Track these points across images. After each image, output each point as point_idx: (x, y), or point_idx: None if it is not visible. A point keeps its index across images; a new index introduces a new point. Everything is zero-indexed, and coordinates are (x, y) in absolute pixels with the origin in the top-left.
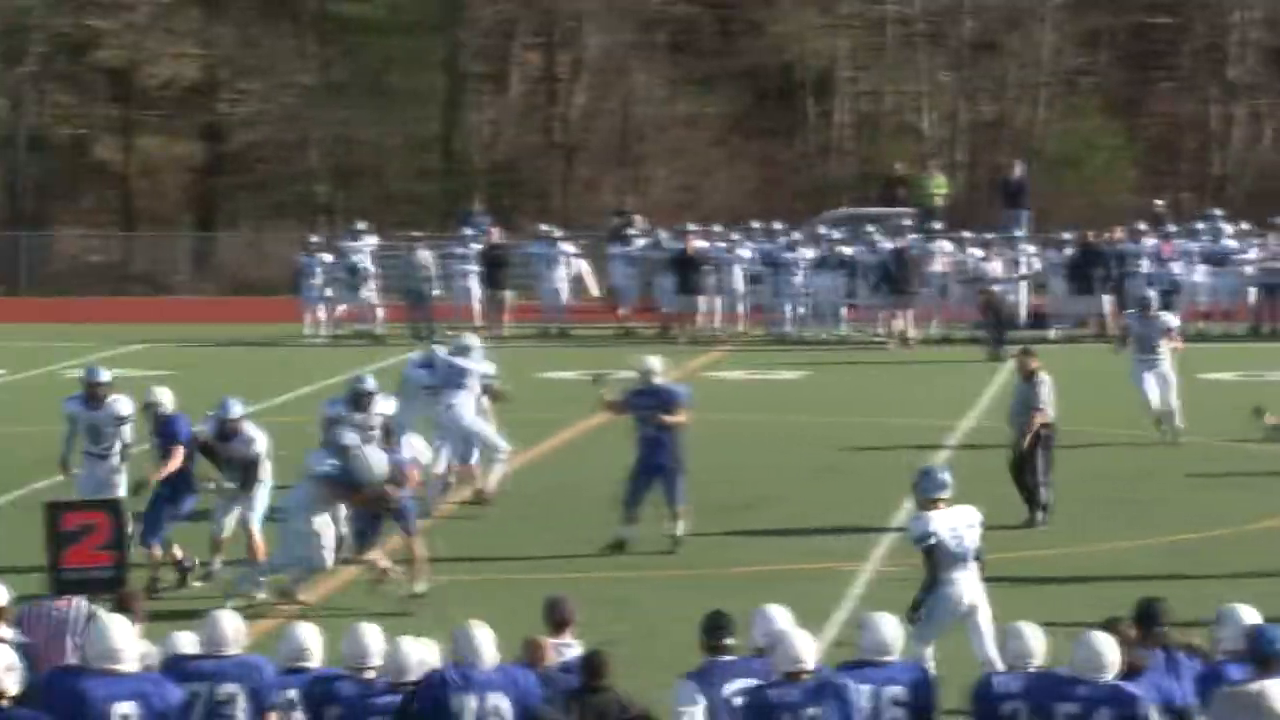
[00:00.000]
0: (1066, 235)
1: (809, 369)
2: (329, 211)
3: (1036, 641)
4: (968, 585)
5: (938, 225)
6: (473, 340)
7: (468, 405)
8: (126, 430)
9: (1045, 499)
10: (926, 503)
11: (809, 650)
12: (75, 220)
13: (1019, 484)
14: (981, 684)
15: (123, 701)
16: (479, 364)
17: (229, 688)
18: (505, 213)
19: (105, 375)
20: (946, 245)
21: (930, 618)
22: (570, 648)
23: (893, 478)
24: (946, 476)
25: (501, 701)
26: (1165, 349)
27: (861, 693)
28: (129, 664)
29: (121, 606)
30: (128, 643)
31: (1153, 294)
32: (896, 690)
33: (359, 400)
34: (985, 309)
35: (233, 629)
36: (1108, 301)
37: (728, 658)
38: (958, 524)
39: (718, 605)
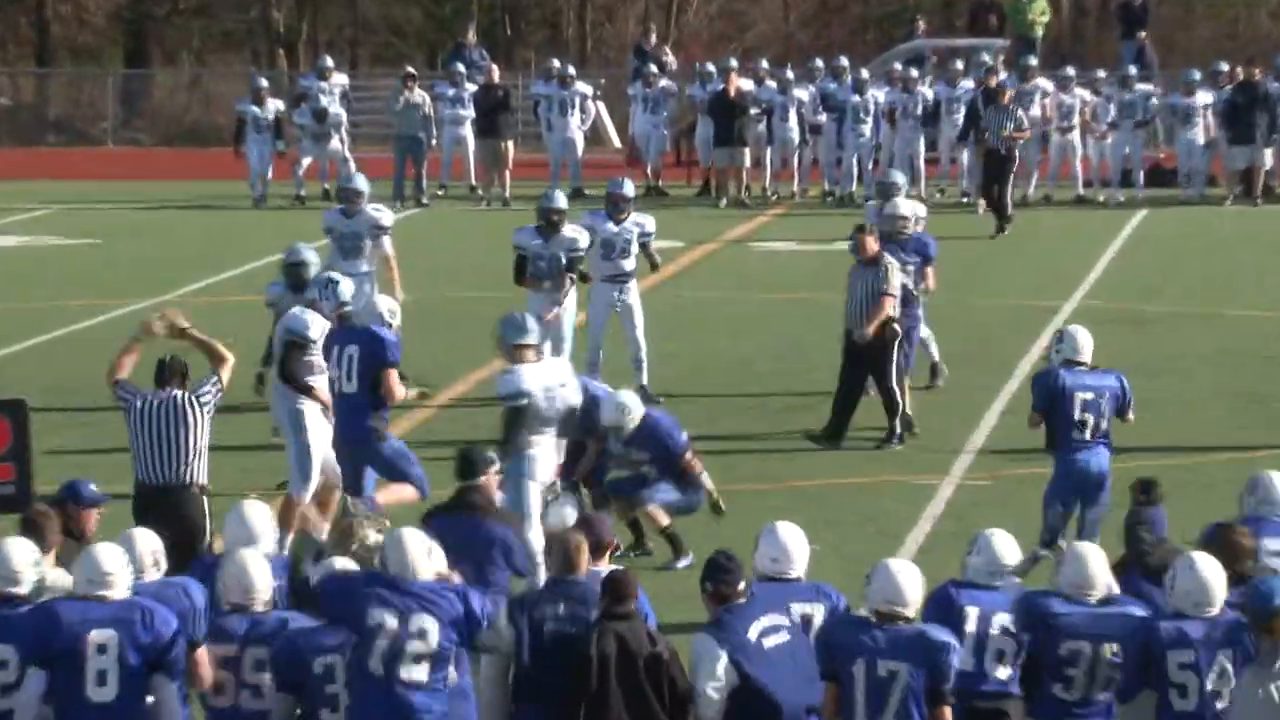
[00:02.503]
0: (1197, 73)
1: None
2: (288, 44)
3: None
4: (545, 455)
5: (1034, 61)
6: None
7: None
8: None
9: (905, 410)
10: (515, 352)
11: (915, 590)
12: None
13: (844, 403)
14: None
15: (101, 629)
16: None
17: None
18: (505, 46)
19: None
20: (1047, 85)
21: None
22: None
23: (980, 370)
24: (530, 321)
25: (428, 624)
26: None
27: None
28: (117, 589)
29: (28, 528)
30: (115, 564)
31: None
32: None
33: (296, 276)
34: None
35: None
36: (1269, 155)
37: (740, 600)
38: (551, 381)
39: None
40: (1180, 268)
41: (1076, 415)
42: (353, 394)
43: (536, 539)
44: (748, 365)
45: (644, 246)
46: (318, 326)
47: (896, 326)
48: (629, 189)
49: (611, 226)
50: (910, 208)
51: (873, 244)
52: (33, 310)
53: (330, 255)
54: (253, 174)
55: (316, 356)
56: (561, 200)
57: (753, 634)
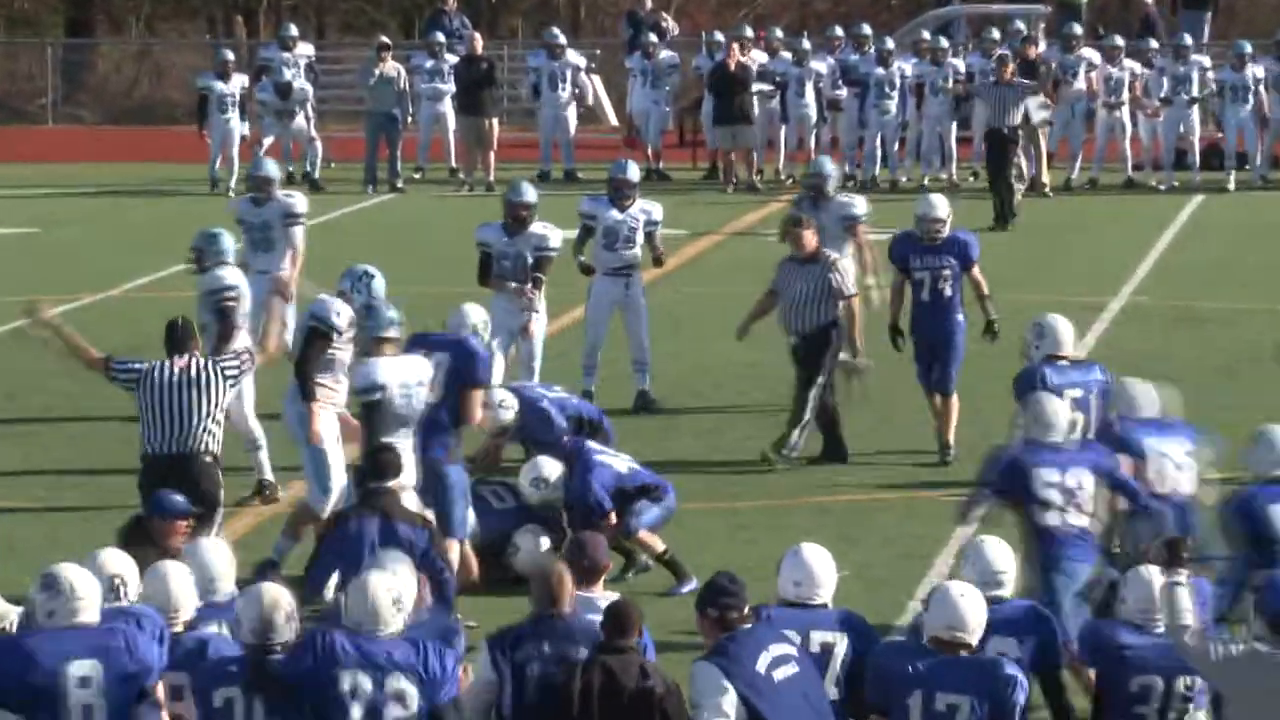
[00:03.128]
0: (1248, 45)
1: (903, 227)
2: (248, 11)
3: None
4: (405, 456)
5: (1078, 29)
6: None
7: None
8: None
9: (840, 435)
10: (374, 345)
11: (980, 616)
12: None
13: (824, 420)
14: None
15: (80, 660)
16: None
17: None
18: (489, 13)
19: None
20: (1094, 56)
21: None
22: (599, 603)
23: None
24: (394, 314)
25: (406, 685)
26: None
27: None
28: (88, 614)
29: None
30: (87, 587)
31: None
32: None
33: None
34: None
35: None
36: None
37: (745, 627)
38: (408, 377)
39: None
40: (1239, 259)
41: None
42: (431, 405)
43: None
44: (756, 369)
45: (649, 237)
46: (345, 317)
47: (837, 333)
48: (633, 172)
49: (615, 213)
50: (944, 206)
51: (811, 238)
52: None
53: (244, 248)
54: (214, 158)
55: (341, 352)
56: (530, 193)
57: (761, 665)
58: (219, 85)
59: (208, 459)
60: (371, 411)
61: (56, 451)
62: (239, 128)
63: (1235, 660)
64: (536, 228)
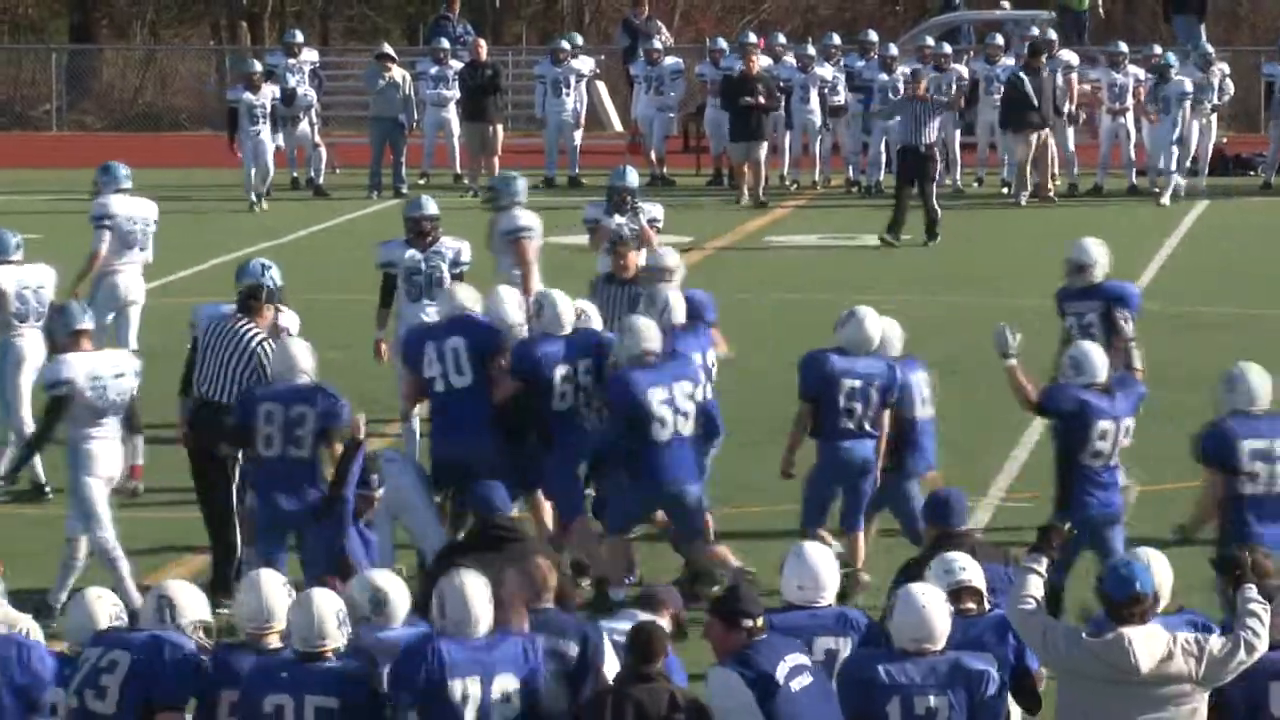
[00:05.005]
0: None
1: (907, 231)
2: (252, 17)
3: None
4: (106, 450)
5: (1052, 36)
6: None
7: None
8: None
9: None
10: (67, 341)
11: (944, 624)
12: None
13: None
14: None
15: None
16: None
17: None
18: (494, 19)
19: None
20: (1071, 59)
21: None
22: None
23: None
24: (82, 306)
25: (510, 683)
26: None
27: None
28: None
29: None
30: None
31: None
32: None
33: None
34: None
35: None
36: None
37: (761, 637)
38: (102, 370)
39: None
40: (1245, 264)
41: (844, 403)
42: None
43: (106, 536)
44: (760, 378)
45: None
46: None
47: None
48: (632, 179)
49: (616, 218)
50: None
51: (635, 259)
52: None
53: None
54: (248, 174)
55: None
56: (431, 206)
57: (780, 675)
58: (249, 97)
59: None
60: (56, 404)
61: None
62: (270, 139)
63: (1058, 643)
64: (450, 241)
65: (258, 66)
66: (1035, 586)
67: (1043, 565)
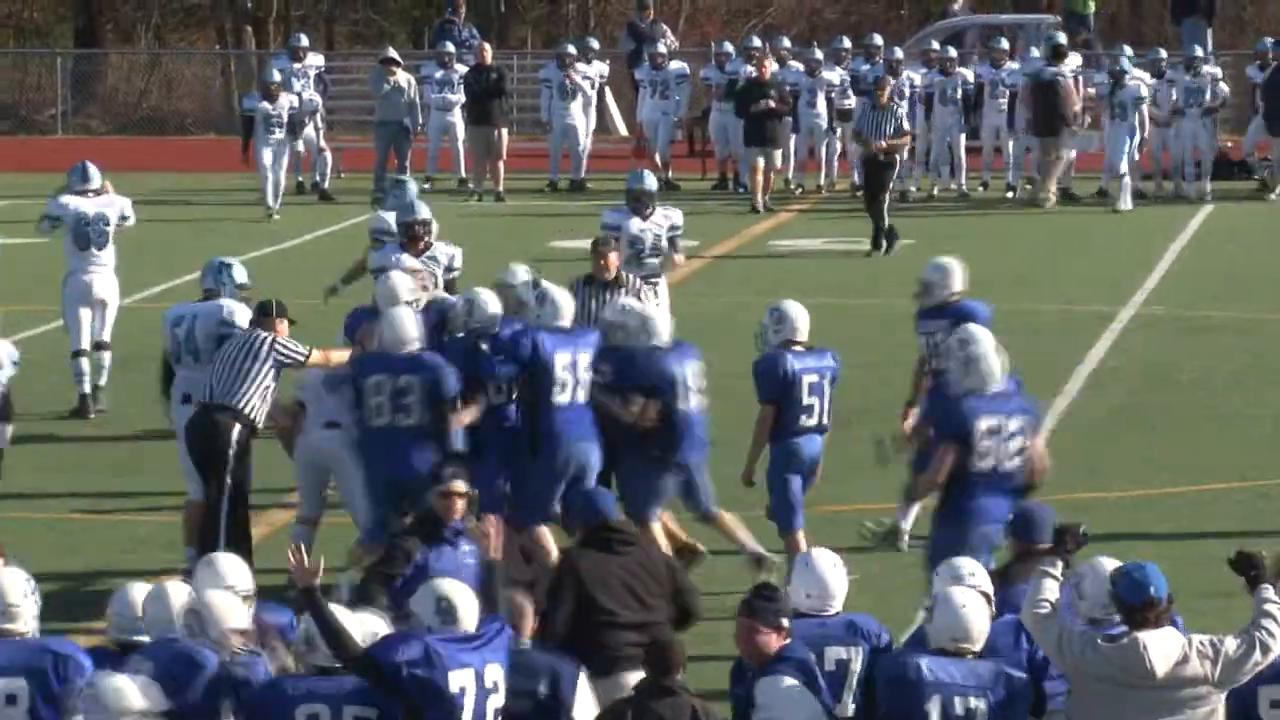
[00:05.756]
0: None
1: (914, 236)
2: (257, 21)
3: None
4: None
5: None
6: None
7: None
8: None
9: None
10: None
11: (983, 625)
12: None
13: None
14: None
15: (10, 677)
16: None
17: None
18: (499, 23)
19: None
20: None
21: None
22: None
23: (1027, 383)
24: None
25: (498, 673)
26: None
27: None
28: (21, 623)
29: None
30: (21, 597)
31: None
32: None
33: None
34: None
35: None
36: None
37: (790, 641)
38: None
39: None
40: (1250, 268)
41: (805, 400)
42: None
43: None
44: None
45: (672, 242)
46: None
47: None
48: (651, 182)
49: (638, 223)
50: None
51: (615, 260)
52: None
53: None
54: (265, 182)
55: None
56: (424, 210)
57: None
58: (265, 106)
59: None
60: None
61: (69, 462)
62: (287, 149)
63: (1073, 647)
64: (443, 247)
65: (276, 75)
66: (1050, 590)
67: (1058, 569)
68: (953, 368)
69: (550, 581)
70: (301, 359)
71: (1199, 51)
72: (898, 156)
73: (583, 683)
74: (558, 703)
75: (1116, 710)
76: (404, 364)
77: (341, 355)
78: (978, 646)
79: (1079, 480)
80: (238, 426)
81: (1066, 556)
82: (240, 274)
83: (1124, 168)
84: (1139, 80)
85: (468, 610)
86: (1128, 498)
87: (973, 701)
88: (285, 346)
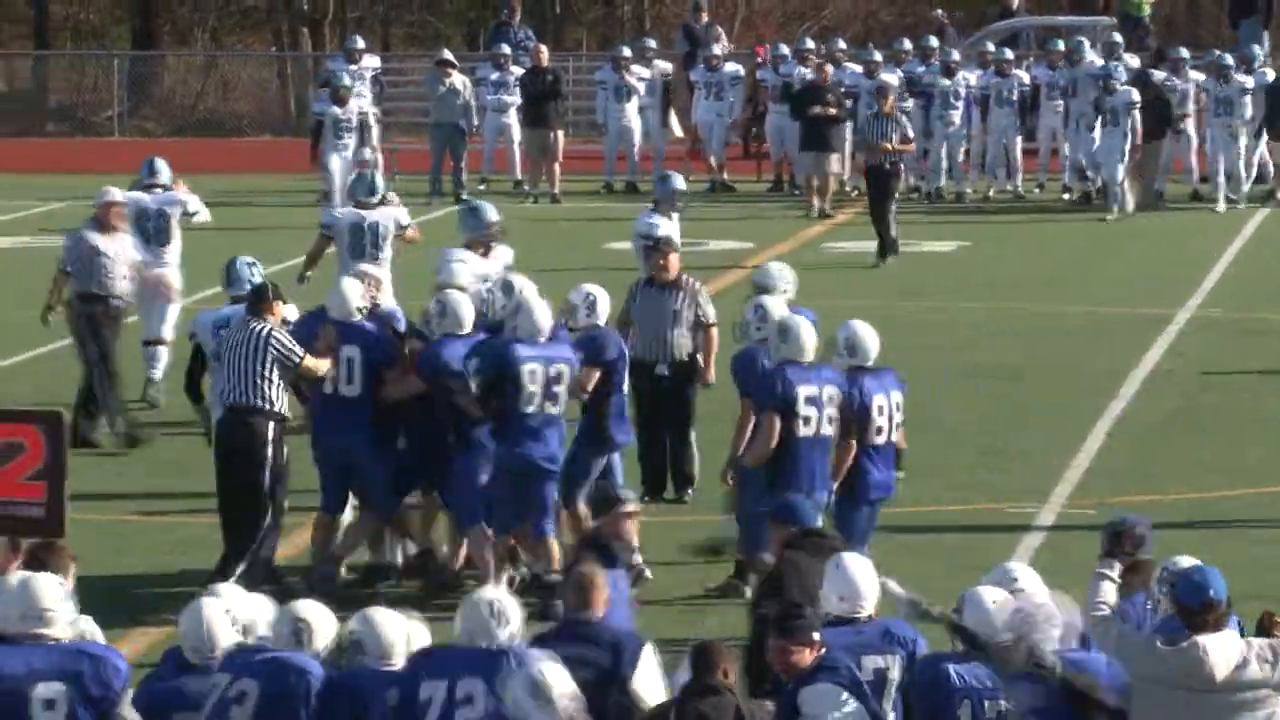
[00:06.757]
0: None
1: (968, 239)
2: (313, 22)
3: None
4: None
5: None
6: None
7: None
8: None
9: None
10: None
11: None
12: None
13: (652, 459)
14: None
15: (48, 681)
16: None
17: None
18: (554, 25)
19: None
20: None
21: None
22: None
23: (1082, 385)
24: None
25: (475, 686)
26: None
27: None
28: (57, 628)
29: (39, 563)
30: (57, 602)
31: None
32: None
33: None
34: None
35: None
36: None
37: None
38: None
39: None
40: None
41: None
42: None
43: None
44: None
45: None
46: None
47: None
48: (678, 182)
49: (665, 223)
50: None
51: (676, 262)
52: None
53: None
54: (334, 189)
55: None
56: (493, 212)
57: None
58: (335, 111)
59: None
60: None
61: (116, 461)
62: (354, 154)
63: (1133, 651)
64: (504, 253)
65: (346, 80)
66: (1109, 593)
67: (1115, 571)
68: (770, 339)
69: (768, 581)
70: (295, 361)
71: (1258, 53)
72: (902, 166)
73: (647, 655)
74: (618, 673)
75: (1175, 713)
76: (553, 353)
77: (323, 365)
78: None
79: (1133, 483)
80: (271, 425)
81: (1124, 558)
82: (260, 274)
83: (1114, 174)
84: (1130, 87)
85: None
86: (1182, 500)
87: (1003, 704)
88: (281, 344)
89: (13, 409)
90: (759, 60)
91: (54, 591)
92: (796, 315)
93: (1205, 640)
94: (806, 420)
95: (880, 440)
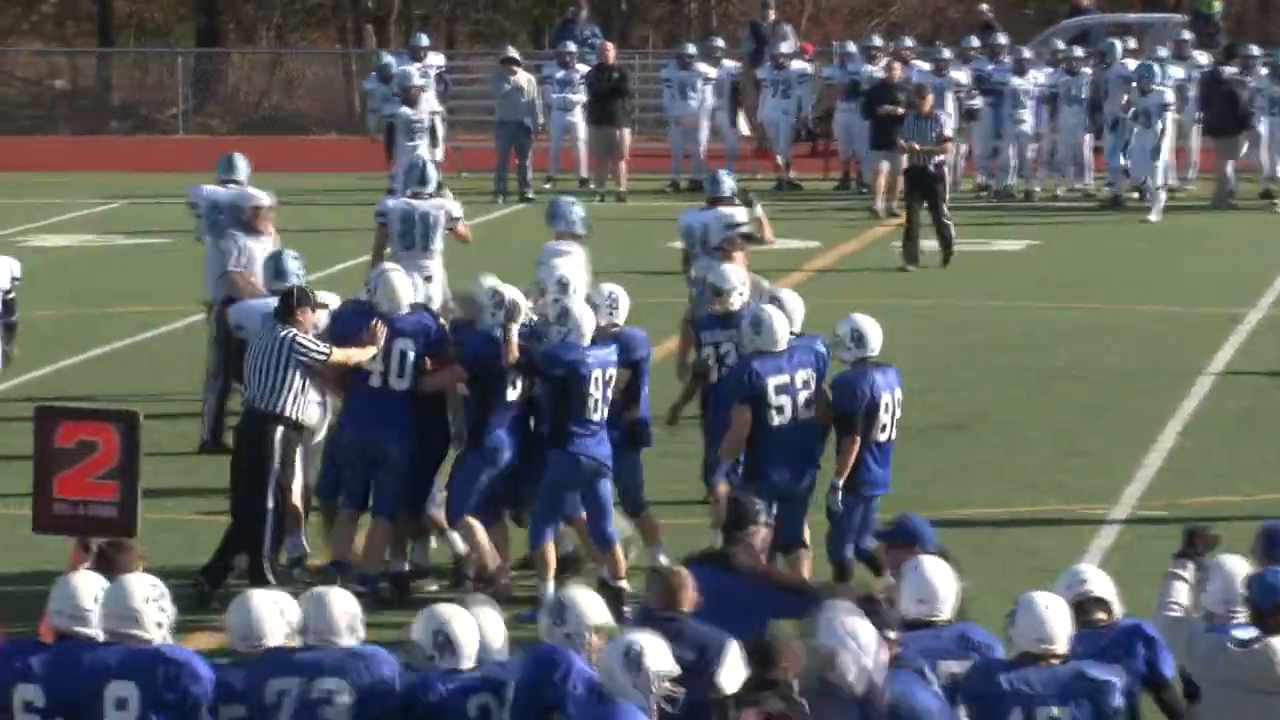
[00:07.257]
0: None
1: (1037, 238)
2: (378, 20)
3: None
4: None
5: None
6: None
7: None
8: None
9: None
10: None
11: (1064, 627)
12: (32, 33)
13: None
14: None
15: (120, 681)
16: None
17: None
18: (621, 22)
19: None
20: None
21: None
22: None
23: (1153, 386)
24: None
25: (489, 700)
26: None
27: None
28: (146, 629)
29: (108, 562)
30: (141, 602)
31: None
32: None
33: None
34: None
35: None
36: None
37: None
38: None
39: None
40: None
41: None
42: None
43: None
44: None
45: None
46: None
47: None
48: (727, 185)
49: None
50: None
51: (742, 259)
52: (87, 317)
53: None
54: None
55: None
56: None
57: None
58: (405, 111)
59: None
60: None
61: (174, 463)
62: (429, 156)
63: (1203, 651)
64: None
65: (416, 79)
66: (1180, 593)
67: (1188, 571)
68: (743, 331)
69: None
70: (322, 358)
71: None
72: (945, 168)
73: (733, 652)
74: (704, 669)
75: (1246, 716)
76: (615, 357)
77: (363, 354)
78: (1061, 649)
79: (1204, 484)
80: (280, 429)
81: (1197, 559)
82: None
83: (1152, 178)
84: (1164, 87)
85: (469, 641)
86: (1252, 501)
87: (1054, 710)
88: (305, 346)
89: (89, 407)
90: (807, 57)
91: (141, 592)
92: (768, 306)
93: (1278, 642)
94: (780, 409)
95: (883, 437)
